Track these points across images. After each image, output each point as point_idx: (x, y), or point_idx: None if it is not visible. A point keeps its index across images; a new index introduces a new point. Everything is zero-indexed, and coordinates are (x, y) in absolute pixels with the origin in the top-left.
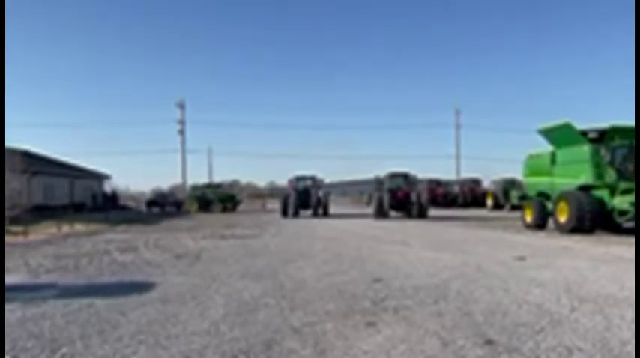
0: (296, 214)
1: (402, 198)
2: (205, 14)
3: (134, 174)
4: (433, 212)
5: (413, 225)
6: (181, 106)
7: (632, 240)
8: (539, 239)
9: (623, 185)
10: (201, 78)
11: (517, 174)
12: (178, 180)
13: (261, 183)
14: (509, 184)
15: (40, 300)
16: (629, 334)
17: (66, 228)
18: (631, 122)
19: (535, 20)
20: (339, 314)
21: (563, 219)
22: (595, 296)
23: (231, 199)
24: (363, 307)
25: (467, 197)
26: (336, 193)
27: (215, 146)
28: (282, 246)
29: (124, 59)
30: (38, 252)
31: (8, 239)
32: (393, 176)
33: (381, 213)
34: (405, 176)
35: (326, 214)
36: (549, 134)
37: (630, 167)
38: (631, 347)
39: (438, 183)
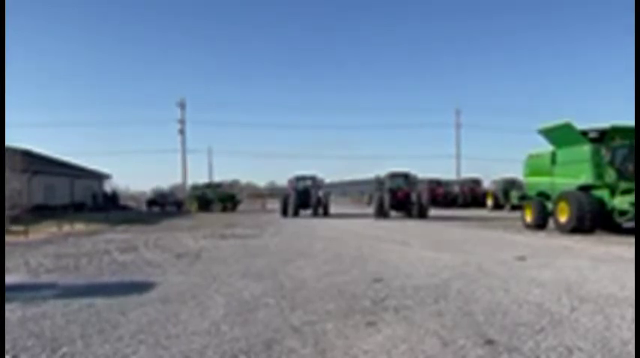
0: (296, 214)
1: (402, 198)
2: (205, 14)
3: (134, 174)
4: (433, 212)
5: (413, 225)
6: (182, 106)
7: (632, 239)
8: (540, 239)
9: (623, 185)
10: (201, 78)
11: (517, 174)
12: (178, 180)
13: (261, 183)
14: (510, 184)
15: (40, 300)
16: (630, 334)
17: (66, 228)
18: (631, 122)
19: (535, 20)
20: (340, 313)
21: (563, 219)
22: (595, 296)
23: (231, 199)
24: (364, 307)
25: (467, 197)
26: (336, 193)
27: (215, 146)
28: (282, 245)
29: (124, 59)
30: (38, 252)
31: (8, 238)
32: (394, 176)
33: (381, 213)
34: (406, 176)
35: (326, 214)
36: (549, 134)
37: (630, 167)
38: (631, 347)
39: (438, 183)
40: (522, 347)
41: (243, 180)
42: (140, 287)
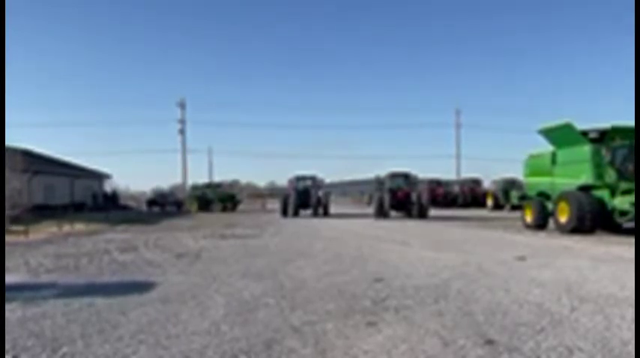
0: (296, 214)
1: (402, 198)
2: (205, 14)
3: (134, 174)
4: (433, 212)
5: (413, 225)
6: (182, 106)
7: (632, 240)
8: (540, 239)
9: (623, 185)
10: (201, 78)
11: (517, 174)
12: (178, 180)
13: (261, 183)
14: (510, 184)
15: (40, 300)
16: (630, 334)
17: (66, 228)
18: (631, 122)
19: (535, 20)
20: (340, 313)
21: (563, 219)
22: (595, 296)
23: (231, 199)
24: (364, 307)
25: (467, 197)
26: (337, 193)
27: (215, 146)
28: (282, 245)
29: (124, 58)
30: (38, 252)
31: (8, 238)
32: (394, 176)
33: (381, 213)
34: (406, 176)
35: (326, 214)
36: (550, 134)
37: (631, 167)
38: (631, 347)
39: (438, 183)
40: (522, 347)
41: (243, 180)
42: (140, 287)
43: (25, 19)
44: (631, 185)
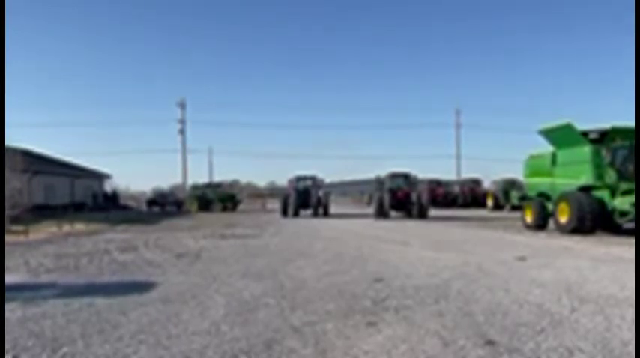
0: (296, 214)
1: (402, 198)
2: (205, 14)
3: (134, 174)
4: (433, 212)
5: (413, 225)
6: (182, 106)
7: (632, 240)
8: (540, 239)
9: (623, 186)
10: (201, 78)
11: (517, 174)
12: (178, 180)
13: (261, 183)
14: (510, 185)
15: (40, 300)
16: (630, 334)
17: (66, 228)
18: (631, 123)
19: (535, 20)
20: (340, 313)
21: (563, 219)
22: (596, 297)
23: (231, 199)
24: (364, 307)
25: (467, 197)
26: (337, 193)
27: (215, 146)
28: (283, 245)
29: (124, 59)
30: (39, 252)
31: (9, 238)
32: (394, 176)
33: (381, 213)
34: (406, 176)
35: (326, 214)
36: (550, 134)
37: (631, 168)
38: (632, 348)
39: (438, 183)
40: (523, 348)
41: (243, 180)
42: (140, 287)
43: (25, 19)
44: (631, 185)
